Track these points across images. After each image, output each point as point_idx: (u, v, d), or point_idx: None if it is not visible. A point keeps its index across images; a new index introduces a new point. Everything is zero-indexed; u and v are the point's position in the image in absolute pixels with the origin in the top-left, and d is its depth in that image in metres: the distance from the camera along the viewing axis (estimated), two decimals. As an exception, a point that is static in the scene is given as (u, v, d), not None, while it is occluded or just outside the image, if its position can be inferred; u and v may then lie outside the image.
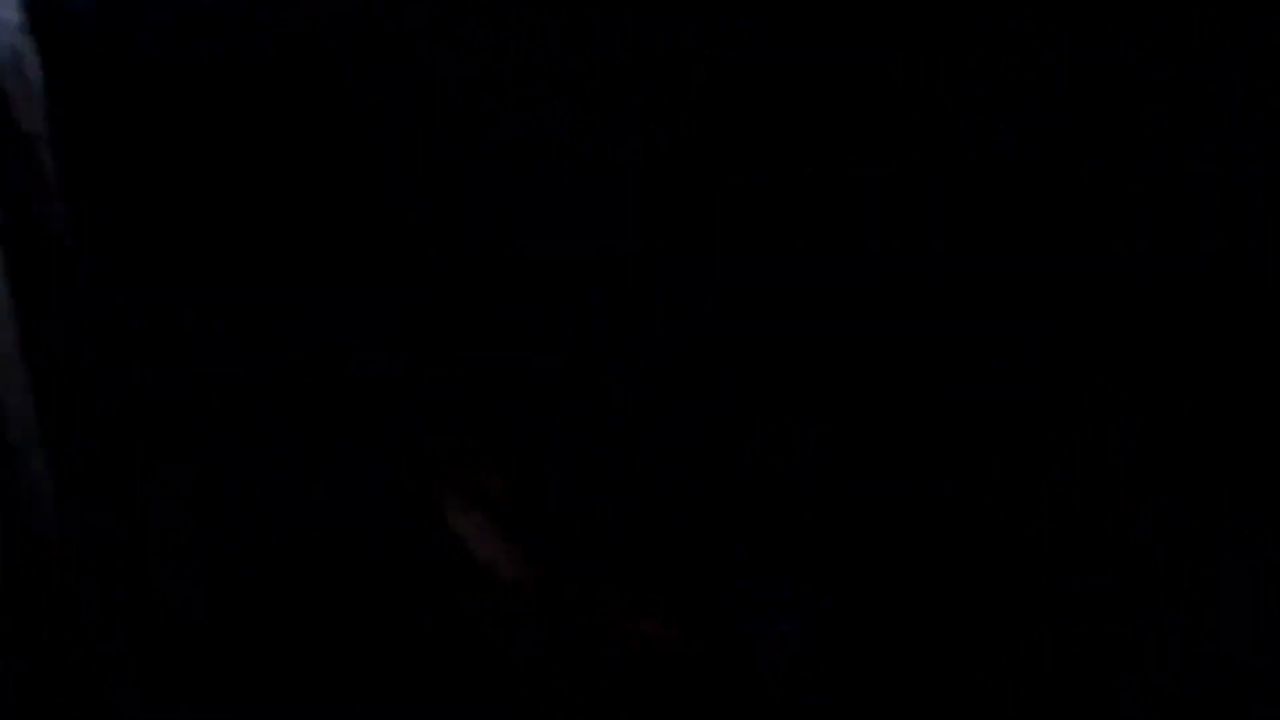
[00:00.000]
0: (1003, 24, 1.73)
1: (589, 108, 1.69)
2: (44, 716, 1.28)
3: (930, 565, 1.79)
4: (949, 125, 1.75)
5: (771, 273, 1.74)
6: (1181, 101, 1.73)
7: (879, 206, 1.76)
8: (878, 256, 1.76)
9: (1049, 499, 1.79)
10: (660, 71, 1.71)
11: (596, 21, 1.68)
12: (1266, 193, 1.73)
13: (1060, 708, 1.79)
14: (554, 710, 1.71)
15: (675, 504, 1.74)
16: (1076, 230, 1.76)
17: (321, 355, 1.61)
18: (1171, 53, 1.72)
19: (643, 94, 1.71)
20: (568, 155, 1.69)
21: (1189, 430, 1.76)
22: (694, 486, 1.74)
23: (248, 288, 1.60)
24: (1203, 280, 1.75)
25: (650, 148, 1.71)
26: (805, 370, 1.76)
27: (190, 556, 1.38)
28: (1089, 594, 1.78)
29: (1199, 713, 1.76)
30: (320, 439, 1.59)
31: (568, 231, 1.70)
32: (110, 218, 1.39)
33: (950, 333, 1.77)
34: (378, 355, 1.66)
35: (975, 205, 1.76)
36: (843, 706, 1.78)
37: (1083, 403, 1.77)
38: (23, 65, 0.85)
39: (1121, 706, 1.78)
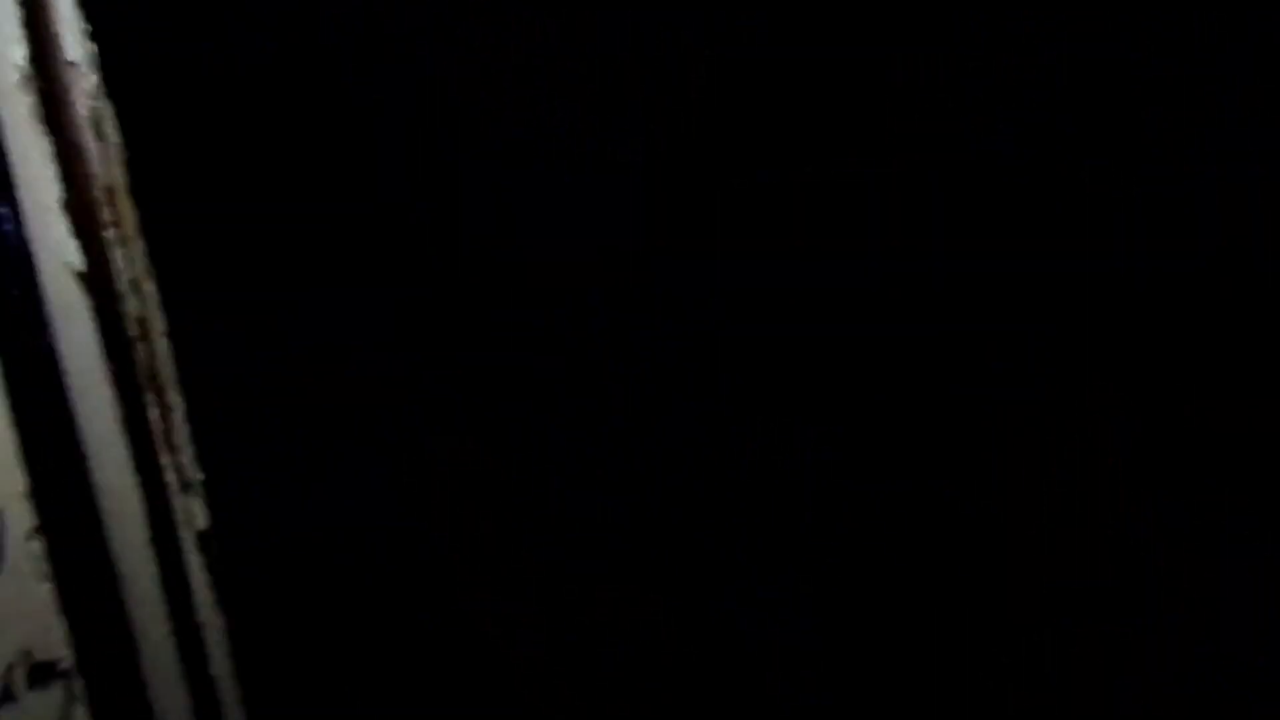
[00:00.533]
0: (1003, 24, 1.73)
1: (589, 108, 1.70)
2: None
3: (930, 565, 1.79)
4: (949, 125, 1.75)
5: (771, 273, 1.74)
6: (1181, 101, 1.73)
7: (879, 206, 1.76)
8: (878, 256, 1.76)
9: (1049, 499, 1.79)
10: (660, 71, 1.71)
11: (596, 21, 1.68)
12: (1267, 193, 1.73)
13: (1060, 708, 1.79)
14: (554, 710, 1.71)
15: (675, 504, 1.74)
16: (1076, 230, 1.76)
17: (321, 355, 1.61)
18: (1171, 53, 1.72)
19: (643, 94, 1.71)
20: (568, 155, 1.69)
21: (1189, 430, 1.76)
22: (694, 486, 1.74)
23: (248, 288, 1.60)
24: (1203, 280, 1.75)
25: (650, 148, 1.71)
26: (805, 370, 1.76)
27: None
28: (1089, 594, 1.78)
29: (1199, 713, 1.76)
30: (320, 439, 1.59)
31: (568, 231, 1.70)
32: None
33: (950, 333, 1.77)
34: (378, 355, 1.66)
35: (975, 205, 1.76)
36: (843, 706, 1.78)
37: (1083, 403, 1.77)
38: (102, 126, 1.01)
39: (1122, 706, 1.78)
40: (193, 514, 1.09)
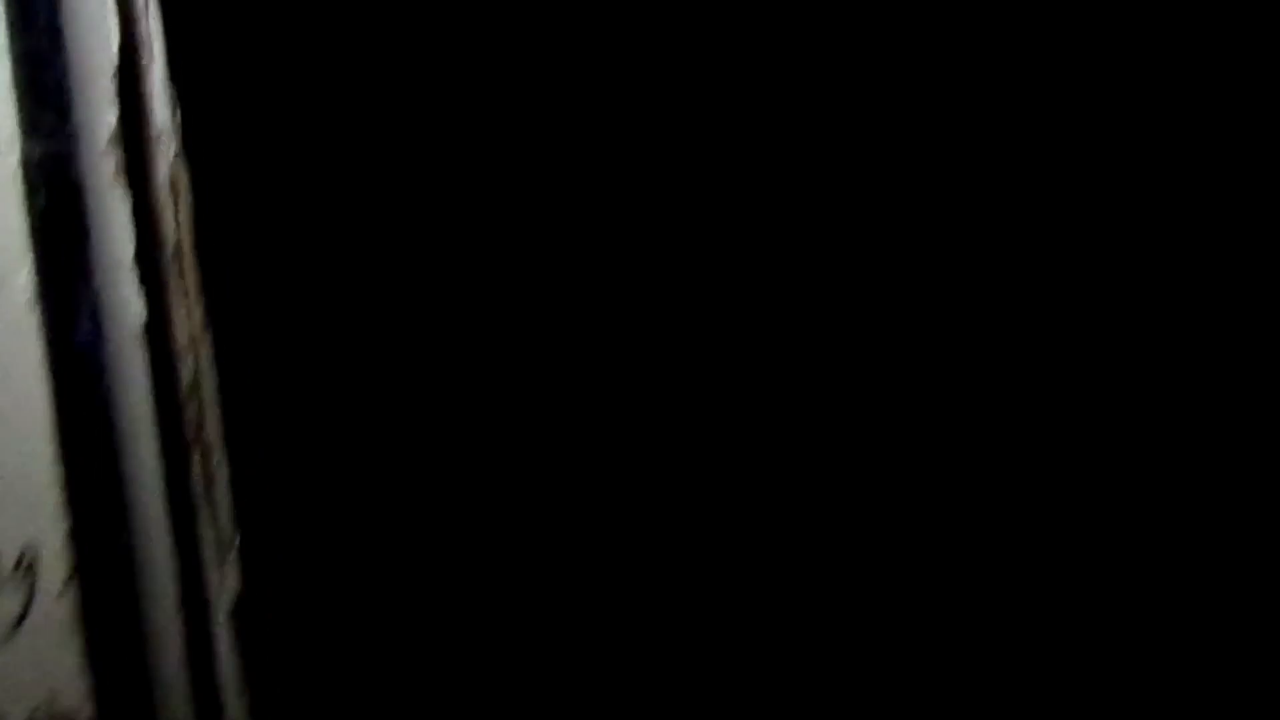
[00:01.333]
0: (1003, 24, 1.73)
1: (589, 108, 1.70)
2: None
3: (930, 565, 1.79)
4: (950, 125, 1.75)
5: (771, 273, 1.75)
6: (1181, 101, 1.73)
7: (879, 207, 1.76)
8: (878, 257, 1.76)
9: (1048, 499, 1.79)
10: (661, 72, 1.71)
11: (596, 21, 1.68)
12: (1267, 193, 1.73)
13: (1060, 708, 1.79)
14: (554, 710, 1.71)
15: (675, 504, 1.74)
16: (1077, 231, 1.76)
17: (321, 355, 1.61)
18: (1171, 53, 1.72)
19: (644, 94, 1.71)
20: (568, 155, 1.70)
21: (1189, 430, 1.76)
22: (694, 486, 1.75)
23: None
24: (1202, 280, 1.75)
25: (651, 147, 1.71)
26: (805, 371, 1.76)
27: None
28: (1089, 594, 1.78)
29: (1199, 713, 1.76)
30: (320, 438, 1.59)
31: (568, 231, 1.70)
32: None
33: (950, 333, 1.77)
34: (378, 355, 1.66)
35: (975, 205, 1.76)
36: (843, 706, 1.78)
37: (1084, 403, 1.78)
38: (178, 188, 1.10)
39: (1122, 706, 1.78)
40: (226, 576, 1.10)
